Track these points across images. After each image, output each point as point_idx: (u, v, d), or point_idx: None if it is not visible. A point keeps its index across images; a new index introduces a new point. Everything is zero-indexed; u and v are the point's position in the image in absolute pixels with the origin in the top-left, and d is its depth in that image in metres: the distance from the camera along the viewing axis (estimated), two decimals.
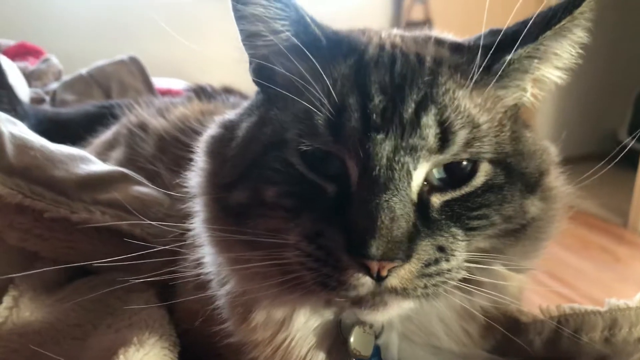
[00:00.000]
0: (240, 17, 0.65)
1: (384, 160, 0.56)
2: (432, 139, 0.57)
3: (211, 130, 0.74)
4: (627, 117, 4.35)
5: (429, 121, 0.57)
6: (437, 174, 0.60)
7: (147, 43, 3.10)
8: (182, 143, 1.04)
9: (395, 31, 0.73)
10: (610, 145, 4.10)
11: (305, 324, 0.69)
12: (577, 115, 4.14)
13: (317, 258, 0.57)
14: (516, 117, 0.66)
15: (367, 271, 0.54)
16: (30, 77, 2.22)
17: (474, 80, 0.60)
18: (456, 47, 0.66)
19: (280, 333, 0.69)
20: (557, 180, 0.70)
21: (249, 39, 0.67)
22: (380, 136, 0.57)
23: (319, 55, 0.62)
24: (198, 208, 0.72)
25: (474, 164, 0.60)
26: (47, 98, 2.08)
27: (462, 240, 0.59)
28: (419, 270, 0.56)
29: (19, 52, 2.46)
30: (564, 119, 3.93)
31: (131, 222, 0.88)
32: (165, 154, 1.09)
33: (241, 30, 0.67)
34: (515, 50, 0.61)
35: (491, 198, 0.60)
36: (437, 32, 0.73)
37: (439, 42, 0.68)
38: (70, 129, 1.50)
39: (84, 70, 2.17)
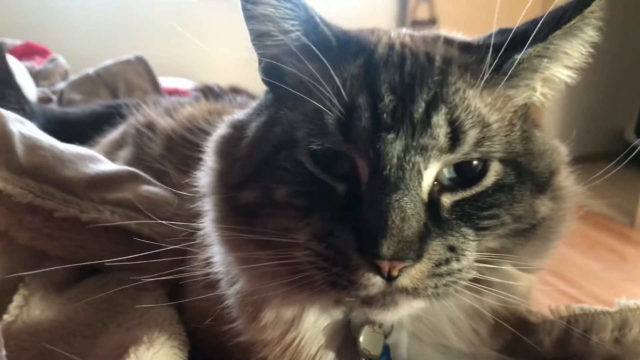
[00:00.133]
0: (249, 17, 0.65)
1: (395, 160, 0.56)
2: (442, 139, 0.57)
3: (221, 130, 0.74)
4: (634, 117, 4.33)
5: (440, 120, 0.57)
6: (447, 173, 0.60)
7: (153, 43, 3.12)
8: (190, 143, 1.04)
9: (404, 31, 0.73)
10: (617, 145, 4.09)
11: (315, 323, 0.69)
12: (584, 115, 4.12)
13: (327, 257, 0.58)
14: (526, 116, 0.66)
15: (378, 271, 0.54)
16: (37, 77, 2.23)
17: (484, 80, 0.60)
18: (465, 47, 0.66)
19: (289, 332, 0.69)
20: (567, 179, 0.70)
21: (259, 38, 0.67)
22: (390, 136, 0.57)
23: (328, 54, 0.62)
24: (208, 207, 0.72)
25: (485, 163, 0.60)
26: (55, 98, 2.09)
27: (472, 240, 0.59)
28: (430, 270, 0.56)
29: (25, 52, 2.47)
30: (570, 118, 3.92)
31: (140, 222, 0.88)
32: (173, 153, 1.09)
33: (251, 30, 0.67)
34: (526, 49, 0.61)
35: (502, 198, 0.60)
36: (446, 32, 0.73)
37: (448, 41, 0.68)
38: (77, 129, 1.51)
39: (91, 70, 2.18)
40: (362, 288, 0.56)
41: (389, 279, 0.55)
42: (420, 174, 0.57)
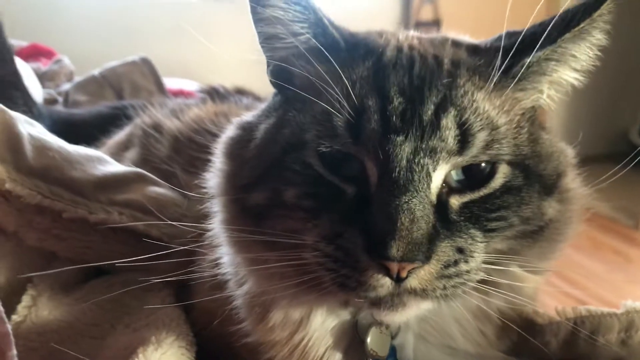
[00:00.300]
0: (258, 20, 0.66)
1: (404, 162, 0.57)
2: (451, 141, 0.58)
3: (229, 131, 0.74)
4: (639, 118, 4.32)
5: (449, 123, 0.58)
6: (455, 175, 0.60)
7: (157, 44, 3.13)
8: (197, 144, 1.05)
9: (412, 33, 0.74)
10: (621, 146, 4.08)
11: (323, 324, 0.69)
12: (589, 116, 4.11)
13: (336, 259, 0.58)
14: (533, 119, 0.67)
15: (387, 272, 0.55)
16: (43, 78, 2.24)
17: (493, 82, 0.61)
18: (473, 49, 0.66)
19: (297, 333, 0.69)
20: (573, 182, 0.70)
21: (268, 41, 0.67)
22: (400, 138, 0.57)
23: (337, 57, 0.62)
24: (216, 209, 0.72)
25: (493, 165, 0.60)
26: (60, 99, 2.10)
27: (480, 242, 0.59)
28: (439, 271, 0.56)
29: (31, 53, 2.48)
30: (575, 119, 3.91)
31: (148, 223, 0.89)
32: (180, 154, 1.09)
33: (259, 33, 0.67)
34: (535, 52, 0.61)
35: (509, 200, 0.61)
36: (453, 34, 0.74)
37: (456, 44, 0.68)
38: (83, 130, 1.52)
39: (96, 71, 2.19)
40: (371, 289, 0.56)
41: (398, 280, 0.55)
42: (429, 176, 0.57)
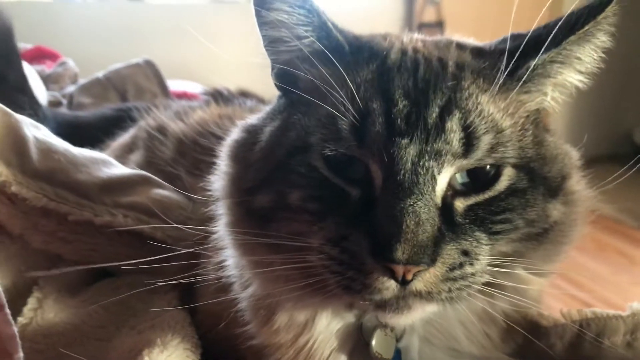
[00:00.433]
0: (263, 23, 0.66)
1: (409, 165, 0.57)
2: (456, 144, 0.58)
3: (234, 134, 0.74)
4: None
5: (453, 126, 0.58)
6: (459, 178, 0.60)
7: (161, 46, 3.13)
8: (202, 146, 1.05)
9: (416, 36, 0.74)
10: (625, 147, 4.07)
11: (328, 326, 0.70)
12: (592, 117, 4.10)
13: (341, 261, 0.58)
14: (538, 121, 0.66)
15: (392, 275, 0.55)
16: (47, 81, 2.25)
17: (497, 85, 0.61)
18: (478, 52, 0.66)
19: (302, 336, 0.69)
20: (578, 184, 0.70)
21: (272, 44, 0.67)
22: (404, 141, 0.57)
23: (342, 60, 0.63)
24: (221, 211, 0.72)
25: (497, 168, 0.60)
26: (64, 101, 2.10)
27: (486, 244, 0.59)
28: (444, 274, 0.56)
29: (35, 56, 2.49)
30: (578, 120, 3.90)
31: (153, 225, 0.89)
32: (185, 157, 1.10)
33: (264, 36, 0.67)
34: (540, 55, 0.61)
35: (514, 202, 0.61)
36: (458, 37, 0.74)
37: (461, 46, 0.68)
38: (88, 132, 1.52)
39: (100, 74, 2.19)
40: (376, 292, 0.56)
41: (403, 283, 0.55)
42: (434, 178, 0.57)
